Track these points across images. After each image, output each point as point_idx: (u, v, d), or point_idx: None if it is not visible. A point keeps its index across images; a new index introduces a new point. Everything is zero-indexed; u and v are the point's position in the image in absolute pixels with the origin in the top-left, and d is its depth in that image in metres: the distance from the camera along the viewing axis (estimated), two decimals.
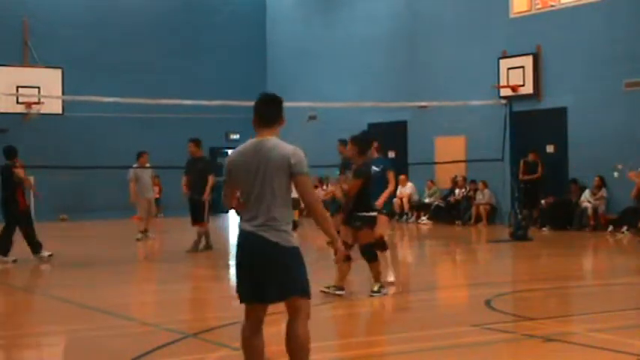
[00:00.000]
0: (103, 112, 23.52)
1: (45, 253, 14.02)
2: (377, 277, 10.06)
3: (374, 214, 9.92)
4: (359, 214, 9.77)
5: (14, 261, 13.79)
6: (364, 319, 9.22)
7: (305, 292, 5.37)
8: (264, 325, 5.59)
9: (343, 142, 13.45)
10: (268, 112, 5.37)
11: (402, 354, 7.21)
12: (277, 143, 5.30)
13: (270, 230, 5.22)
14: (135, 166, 18.34)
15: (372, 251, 10.00)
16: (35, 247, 14.01)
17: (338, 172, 12.61)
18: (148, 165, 18.74)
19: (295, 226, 14.59)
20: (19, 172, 13.93)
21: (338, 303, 9.94)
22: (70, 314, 9.53)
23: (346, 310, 9.65)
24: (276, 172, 5.20)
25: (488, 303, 9.33)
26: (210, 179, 15.20)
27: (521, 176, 19.55)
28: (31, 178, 14.94)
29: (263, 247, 5.24)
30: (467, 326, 8.03)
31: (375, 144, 11.29)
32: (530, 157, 20.08)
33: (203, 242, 15.29)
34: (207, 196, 15.12)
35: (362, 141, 10.08)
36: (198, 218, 15.19)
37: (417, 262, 15.73)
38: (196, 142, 15.57)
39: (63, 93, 20.46)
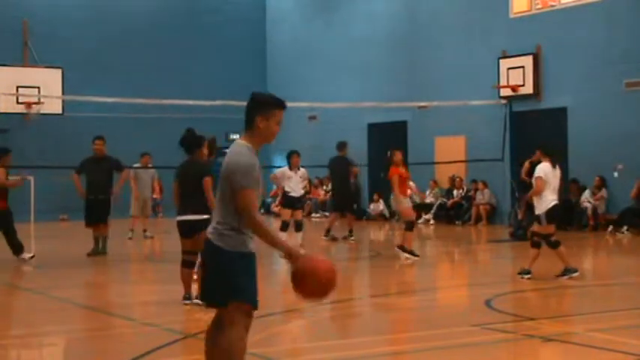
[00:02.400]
0: (103, 112, 23.52)
1: (26, 255, 13.99)
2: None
3: None
4: None
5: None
6: (364, 319, 9.21)
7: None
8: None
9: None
10: (245, 114, 5.22)
11: (402, 354, 7.21)
12: (232, 149, 5.12)
13: (215, 234, 5.07)
14: (136, 165, 18.51)
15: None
16: (16, 248, 14.02)
17: None
18: (150, 165, 18.83)
19: (286, 226, 14.59)
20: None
21: (338, 303, 9.95)
22: (70, 314, 9.53)
23: (346, 310, 9.65)
24: (221, 179, 5.07)
25: (488, 303, 9.33)
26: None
27: (524, 176, 19.40)
28: (17, 178, 14.84)
29: (207, 249, 5.11)
30: (467, 326, 8.03)
31: None
32: (536, 157, 19.87)
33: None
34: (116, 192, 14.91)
35: None
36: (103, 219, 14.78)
37: (417, 262, 15.72)
38: (104, 140, 15.25)
39: (63, 93, 20.45)
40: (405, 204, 13.98)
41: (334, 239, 17.21)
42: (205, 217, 9.02)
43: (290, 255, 5.01)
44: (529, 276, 11.19)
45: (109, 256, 14.57)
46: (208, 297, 5.15)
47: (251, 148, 5.10)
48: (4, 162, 14.33)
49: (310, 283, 4.99)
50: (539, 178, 11.38)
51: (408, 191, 14.40)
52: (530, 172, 19.77)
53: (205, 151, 9.63)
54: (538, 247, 11.35)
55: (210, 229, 5.10)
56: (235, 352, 5.01)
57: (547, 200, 11.45)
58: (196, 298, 9.03)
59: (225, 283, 5.00)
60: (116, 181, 15.10)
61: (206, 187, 9.26)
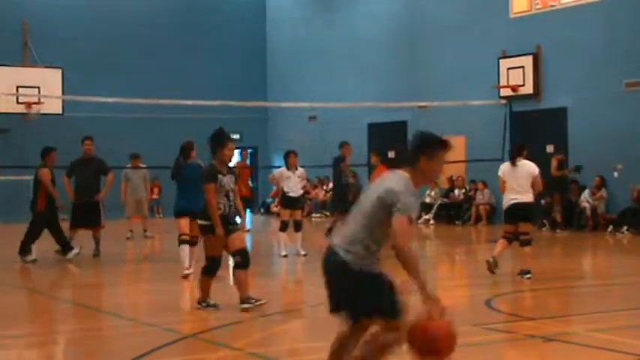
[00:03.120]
0: (102, 112, 23.53)
1: (29, 258, 13.96)
2: None
3: None
4: None
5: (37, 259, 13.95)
6: None
7: None
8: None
9: None
10: (409, 150, 5.21)
11: (402, 354, 7.20)
12: (393, 177, 5.17)
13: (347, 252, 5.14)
14: (128, 166, 18.54)
15: None
16: (23, 249, 14.02)
17: None
18: (141, 165, 18.81)
19: (285, 226, 14.58)
20: (43, 172, 13.95)
21: None
22: (70, 314, 9.54)
23: None
24: (373, 202, 5.13)
25: (488, 303, 9.33)
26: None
27: (555, 172, 19.34)
28: (61, 203, 14.54)
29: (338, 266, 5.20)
30: (467, 326, 8.02)
31: None
32: (561, 156, 19.85)
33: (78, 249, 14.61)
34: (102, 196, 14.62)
35: None
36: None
37: None
38: (93, 140, 14.97)
39: (63, 93, 20.46)
40: None
41: None
42: (206, 222, 8.93)
43: (426, 295, 5.00)
44: (529, 275, 11.18)
45: (108, 257, 14.55)
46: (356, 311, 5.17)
47: (411, 182, 5.08)
48: (49, 161, 14.17)
49: (430, 345, 4.97)
50: (499, 177, 11.56)
51: None
52: (557, 169, 19.76)
53: (227, 152, 9.21)
54: (507, 242, 11.44)
55: (342, 246, 5.10)
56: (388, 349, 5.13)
57: (506, 199, 11.55)
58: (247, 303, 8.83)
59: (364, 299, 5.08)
60: (103, 183, 14.75)
61: (205, 191, 8.98)
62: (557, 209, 19.65)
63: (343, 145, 15.83)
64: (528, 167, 11.44)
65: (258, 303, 8.84)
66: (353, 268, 5.04)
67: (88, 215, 14.35)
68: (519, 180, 11.39)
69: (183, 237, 11.84)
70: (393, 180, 5.07)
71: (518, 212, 11.40)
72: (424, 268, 5.08)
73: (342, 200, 15.13)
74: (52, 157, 14.21)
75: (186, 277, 11.61)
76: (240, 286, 8.93)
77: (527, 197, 11.37)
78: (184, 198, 11.91)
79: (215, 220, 8.78)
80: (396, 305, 5.11)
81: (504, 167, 11.66)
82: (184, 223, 11.86)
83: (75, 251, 14.15)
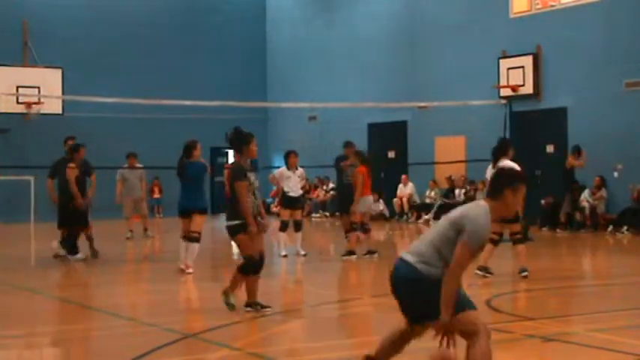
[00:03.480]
0: (102, 112, 23.54)
1: (81, 256, 14.04)
2: None
3: None
4: None
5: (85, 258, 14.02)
6: (364, 319, 9.21)
7: None
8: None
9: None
10: (492, 183, 5.58)
11: (402, 354, 7.20)
12: (476, 207, 5.44)
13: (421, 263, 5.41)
14: (124, 166, 18.48)
15: None
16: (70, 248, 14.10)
17: None
18: (138, 165, 18.78)
19: (286, 226, 14.58)
20: (70, 171, 13.91)
21: (338, 303, 9.96)
22: (70, 314, 9.53)
23: (346, 310, 9.66)
24: (450, 224, 5.39)
25: (488, 303, 9.32)
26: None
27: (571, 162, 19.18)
28: (87, 199, 14.47)
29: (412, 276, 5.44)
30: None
31: None
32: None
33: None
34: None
35: None
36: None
37: None
38: (75, 140, 14.77)
39: (63, 93, 20.48)
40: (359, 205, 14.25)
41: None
42: (236, 222, 8.69)
43: (443, 318, 5.29)
44: (526, 273, 11.21)
45: (109, 257, 14.54)
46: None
47: (489, 214, 5.30)
48: (78, 158, 14.11)
49: None
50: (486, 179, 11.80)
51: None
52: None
53: (253, 147, 9.00)
54: (493, 244, 11.32)
55: (413, 256, 5.33)
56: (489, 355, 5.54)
57: None
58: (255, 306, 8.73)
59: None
60: (89, 185, 14.52)
61: (237, 191, 8.71)
62: (566, 208, 19.50)
63: (347, 145, 15.91)
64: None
65: (263, 309, 8.71)
66: (423, 276, 5.29)
67: (74, 216, 14.06)
68: None
69: (184, 234, 12.27)
70: (472, 208, 5.34)
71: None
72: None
73: (344, 200, 15.14)
74: (81, 153, 14.18)
75: (182, 272, 12.01)
76: (249, 291, 8.75)
77: None
78: (186, 197, 12.24)
79: (249, 218, 8.64)
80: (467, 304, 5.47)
81: (489, 169, 11.64)
82: (185, 221, 12.25)
83: (79, 256, 14.10)
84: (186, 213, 12.25)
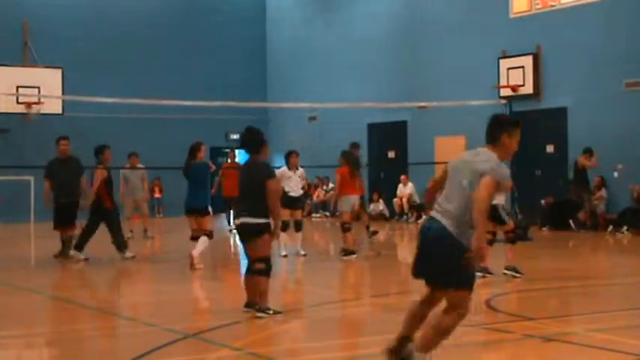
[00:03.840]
0: (102, 112, 23.54)
1: (129, 254, 14.15)
2: None
3: None
4: None
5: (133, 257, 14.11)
6: (364, 319, 9.21)
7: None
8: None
9: None
10: (489, 130, 5.88)
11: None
12: (481, 153, 5.80)
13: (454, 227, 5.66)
14: (126, 167, 18.48)
15: None
16: (120, 245, 14.23)
17: None
18: (139, 166, 18.77)
19: (286, 226, 14.59)
20: (99, 172, 13.98)
21: (338, 303, 9.96)
22: (70, 314, 9.53)
23: (346, 310, 9.66)
24: (469, 178, 5.72)
25: (488, 303, 9.33)
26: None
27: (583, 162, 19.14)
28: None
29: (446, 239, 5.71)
30: (467, 326, 8.03)
31: None
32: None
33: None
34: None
35: None
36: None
37: None
38: (69, 140, 14.60)
39: (63, 93, 20.47)
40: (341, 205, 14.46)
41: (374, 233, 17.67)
42: (265, 220, 8.49)
43: (478, 243, 5.49)
44: (505, 271, 11.36)
45: (109, 257, 14.54)
46: (441, 279, 5.74)
47: (497, 156, 5.71)
48: (103, 159, 14.22)
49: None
50: None
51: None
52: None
53: (267, 149, 8.93)
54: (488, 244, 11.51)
55: (447, 221, 5.62)
56: (450, 332, 5.77)
57: None
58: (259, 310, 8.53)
59: (458, 271, 5.61)
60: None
61: (272, 189, 8.56)
62: (588, 208, 19.42)
63: (354, 145, 15.98)
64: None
65: (274, 314, 8.56)
66: (452, 239, 5.57)
67: (67, 216, 14.10)
68: None
69: (194, 234, 12.67)
70: (484, 155, 5.69)
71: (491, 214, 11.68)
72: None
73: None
74: (106, 155, 14.29)
75: (193, 266, 12.39)
76: (261, 295, 8.54)
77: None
78: (192, 196, 12.74)
79: (279, 219, 8.63)
80: (471, 279, 5.72)
81: None
82: (191, 220, 12.74)
83: (130, 254, 14.21)
84: (190, 212, 12.78)
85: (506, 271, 11.48)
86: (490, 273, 11.40)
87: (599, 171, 19.46)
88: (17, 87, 19.89)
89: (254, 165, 8.82)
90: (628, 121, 19.22)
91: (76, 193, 14.21)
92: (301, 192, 14.94)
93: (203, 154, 13.03)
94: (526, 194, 20.06)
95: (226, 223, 19.98)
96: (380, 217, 24.39)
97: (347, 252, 14.26)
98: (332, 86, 26.17)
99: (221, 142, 27.73)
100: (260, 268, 8.53)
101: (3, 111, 20.24)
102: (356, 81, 25.74)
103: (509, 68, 21.33)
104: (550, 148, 21.15)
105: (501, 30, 22.03)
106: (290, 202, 14.45)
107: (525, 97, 21.07)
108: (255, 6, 30.18)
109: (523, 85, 21.08)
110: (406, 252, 17.55)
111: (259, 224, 8.45)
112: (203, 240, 12.58)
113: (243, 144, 8.99)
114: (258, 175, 8.62)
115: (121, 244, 14.21)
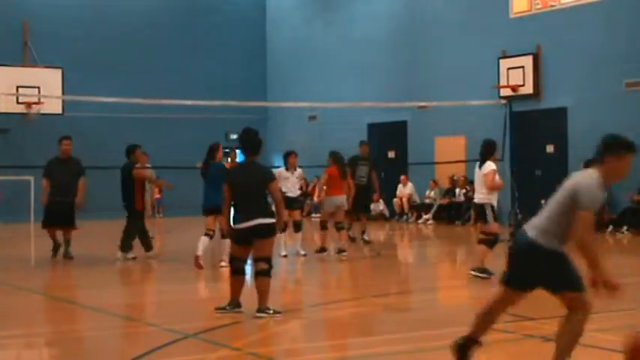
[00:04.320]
0: (102, 112, 23.54)
1: (130, 255, 14.21)
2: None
3: None
4: None
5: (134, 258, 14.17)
6: (364, 319, 9.21)
7: None
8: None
9: None
10: (597, 151, 6.10)
11: (402, 354, 7.20)
12: (586, 175, 5.92)
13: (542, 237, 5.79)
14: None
15: None
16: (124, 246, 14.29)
17: None
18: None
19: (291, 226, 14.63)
20: (139, 171, 14.13)
21: (338, 303, 9.96)
22: (70, 314, 9.54)
23: (346, 310, 9.66)
24: (565, 195, 5.87)
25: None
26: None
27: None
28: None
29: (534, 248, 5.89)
30: (467, 326, 8.02)
31: None
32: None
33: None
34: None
35: None
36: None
37: (417, 262, 15.73)
38: (71, 140, 14.61)
39: (63, 93, 20.45)
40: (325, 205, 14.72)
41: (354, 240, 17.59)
42: (271, 220, 8.60)
43: (606, 281, 5.80)
44: (484, 275, 11.42)
45: (109, 256, 14.55)
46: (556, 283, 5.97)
47: (599, 179, 5.77)
48: (134, 158, 14.39)
49: None
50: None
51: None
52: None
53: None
54: (489, 246, 11.70)
55: (534, 229, 5.74)
56: (583, 330, 6.10)
57: None
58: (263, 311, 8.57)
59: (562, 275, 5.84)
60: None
61: (275, 191, 8.78)
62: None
63: (362, 143, 16.02)
64: (484, 168, 11.68)
65: (274, 314, 8.58)
66: (543, 248, 5.67)
67: (61, 215, 14.06)
68: (477, 180, 11.86)
69: (208, 231, 12.74)
70: (584, 176, 5.80)
71: (475, 213, 12.22)
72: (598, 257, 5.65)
73: (356, 200, 15.37)
74: (137, 154, 14.44)
75: (198, 262, 12.43)
76: (262, 295, 8.58)
77: (478, 197, 11.79)
78: (208, 195, 12.81)
79: (284, 218, 8.80)
80: (580, 280, 5.84)
81: (476, 170, 11.91)
82: (210, 219, 12.74)
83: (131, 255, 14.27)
84: (207, 211, 12.80)
85: (472, 272, 11.47)
86: (491, 273, 11.40)
87: None
88: (17, 87, 19.87)
89: (252, 166, 8.85)
90: (628, 121, 19.19)
91: (72, 194, 14.16)
92: (299, 192, 14.98)
93: (221, 155, 13.35)
94: (526, 194, 20.05)
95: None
96: (380, 217, 24.39)
97: (321, 250, 14.62)
98: (332, 86, 26.17)
99: (221, 142, 27.59)
100: (264, 269, 8.59)
101: (3, 111, 20.22)
102: (356, 81, 25.74)
103: (509, 68, 21.32)
104: (550, 148, 21.15)
105: (501, 30, 22.03)
106: (288, 202, 14.47)
107: (525, 97, 21.06)
108: (255, 6, 30.18)
109: (523, 85, 21.07)
110: (407, 252, 17.57)
111: (271, 224, 8.60)
112: (204, 240, 12.61)
113: (241, 145, 9.01)
114: (257, 177, 8.70)
115: (125, 246, 14.18)
